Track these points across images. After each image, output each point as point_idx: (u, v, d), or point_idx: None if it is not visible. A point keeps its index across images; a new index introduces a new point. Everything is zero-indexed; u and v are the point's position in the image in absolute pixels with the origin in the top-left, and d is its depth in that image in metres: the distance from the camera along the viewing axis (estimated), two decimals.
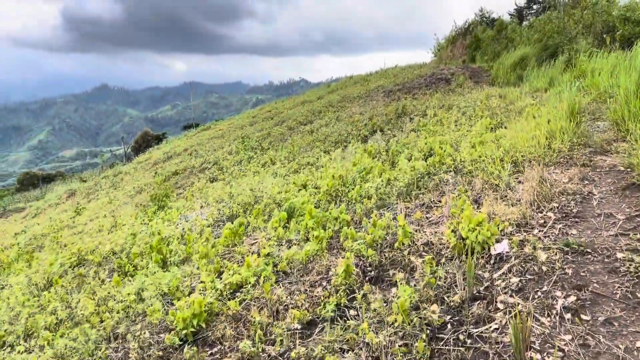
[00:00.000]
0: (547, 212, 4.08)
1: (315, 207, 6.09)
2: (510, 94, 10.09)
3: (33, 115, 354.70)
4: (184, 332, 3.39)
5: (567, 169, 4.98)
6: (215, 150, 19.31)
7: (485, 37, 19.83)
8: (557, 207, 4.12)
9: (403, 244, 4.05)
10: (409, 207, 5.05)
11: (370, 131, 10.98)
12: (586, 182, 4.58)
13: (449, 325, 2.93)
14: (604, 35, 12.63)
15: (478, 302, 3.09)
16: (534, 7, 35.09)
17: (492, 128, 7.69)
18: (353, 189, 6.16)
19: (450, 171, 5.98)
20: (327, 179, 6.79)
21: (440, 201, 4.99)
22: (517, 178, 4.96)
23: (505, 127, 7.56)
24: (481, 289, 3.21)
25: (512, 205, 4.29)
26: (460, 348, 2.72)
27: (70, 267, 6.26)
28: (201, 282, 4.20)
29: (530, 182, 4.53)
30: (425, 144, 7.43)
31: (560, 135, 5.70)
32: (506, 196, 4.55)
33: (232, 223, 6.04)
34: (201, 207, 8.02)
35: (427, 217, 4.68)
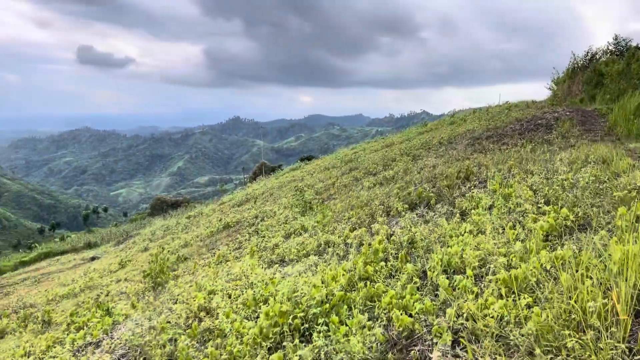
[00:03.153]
0: None
1: None
2: (619, 161, 6.73)
3: (175, 145, 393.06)
4: None
5: None
6: (277, 199, 17.55)
7: (610, 72, 15.59)
8: None
9: None
10: None
11: (412, 203, 8.22)
12: None
13: None
14: None
15: None
16: None
17: (560, 235, 4.65)
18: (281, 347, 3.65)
19: (439, 336, 3.20)
20: (274, 307, 4.32)
21: None
22: None
23: (585, 233, 4.50)
24: None
25: None
26: None
27: None
28: None
29: None
30: (442, 257, 4.63)
31: None
32: None
33: None
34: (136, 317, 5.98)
35: None
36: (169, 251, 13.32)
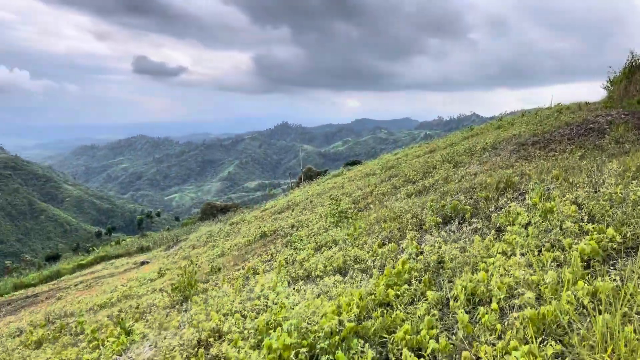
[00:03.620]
0: None
1: None
2: None
3: (225, 150, 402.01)
4: None
5: None
6: (314, 207, 17.30)
7: None
8: None
9: None
10: None
11: (446, 216, 7.72)
12: None
13: None
14: None
15: None
16: None
17: (604, 260, 4.10)
18: None
19: None
20: (279, 338, 4.02)
21: None
22: None
23: (632, 258, 3.94)
24: None
25: None
26: None
27: None
28: None
29: None
30: (467, 284, 4.18)
31: None
32: None
33: None
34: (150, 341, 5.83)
35: None
36: (196, 264, 13.30)
